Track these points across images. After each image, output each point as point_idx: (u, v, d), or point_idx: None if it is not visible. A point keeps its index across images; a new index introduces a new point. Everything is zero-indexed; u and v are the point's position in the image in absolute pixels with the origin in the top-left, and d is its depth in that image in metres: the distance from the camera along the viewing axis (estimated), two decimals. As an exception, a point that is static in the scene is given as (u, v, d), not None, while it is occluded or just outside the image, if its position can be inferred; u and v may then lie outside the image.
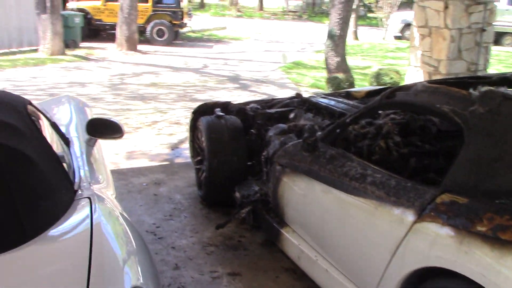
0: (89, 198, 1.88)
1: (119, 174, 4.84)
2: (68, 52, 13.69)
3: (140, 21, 16.40)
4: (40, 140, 1.98)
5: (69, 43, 14.46)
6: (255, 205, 3.47)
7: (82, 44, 15.34)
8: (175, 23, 17.20)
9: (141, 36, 16.52)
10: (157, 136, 6.28)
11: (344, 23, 9.68)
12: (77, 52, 14.14)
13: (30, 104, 2.42)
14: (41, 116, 2.55)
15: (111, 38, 15.66)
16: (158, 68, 12.38)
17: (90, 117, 3.83)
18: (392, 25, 20.63)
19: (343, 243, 2.64)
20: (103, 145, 5.58)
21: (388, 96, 2.78)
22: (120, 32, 14.80)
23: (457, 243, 1.94)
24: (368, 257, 2.44)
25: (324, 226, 2.79)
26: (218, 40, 19.62)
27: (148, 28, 16.88)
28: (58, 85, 9.64)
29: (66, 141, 2.72)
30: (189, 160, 4.81)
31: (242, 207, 3.51)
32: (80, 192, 1.99)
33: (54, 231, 1.64)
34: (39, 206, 1.70)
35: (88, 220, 1.71)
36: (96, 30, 17.49)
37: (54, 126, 2.66)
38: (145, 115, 7.38)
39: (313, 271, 2.87)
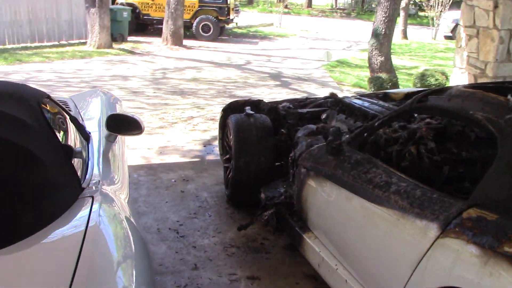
0: (92, 197, 1.83)
1: (149, 169, 4.83)
2: (115, 45, 13.93)
3: (187, 16, 16.52)
4: (48, 135, 1.94)
5: (116, 37, 14.73)
6: (279, 207, 3.36)
7: (130, 38, 15.59)
8: (221, 19, 17.22)
9: (187, 31, 16.63)
10: (191, 131, 6.25)
11: (390, 22, 9.39)
12: (124, 46, 14.37)
13: (48, 97, 2.40)
14: (60, 110, 2.52)
15: (158, 32, 15.85)
16: (201, 63, 12.42)
17: (119, 112, 3.83)
18: (443, 24, 19.98)
19: (363, 254, 2.50)
20: (134, 139, 5.64)
21: (420, 99, 2.62)
22: (166, 27, 14.96)
23: (481, 263, 1.78)
24: (388, 270, 2.30)
25: (346, 234, 2.66)
26: (264, 37, 19.53)
27: (194, 23, 16.97)
28: (101, 78, 9.81)
29: (86, 136, 2.69)
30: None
31: (265, 209, 3.41)
32: (87, 190, 1.94)
33: (49, 230, 1.59)
34: (38, 203, 1.65)
35: (85, 220, 1.65)
36: (144, 25, 17.73)
37: (74, 120, 2.63)
38: (182, 110, 7.38)
39: (332, 280, 2.74)
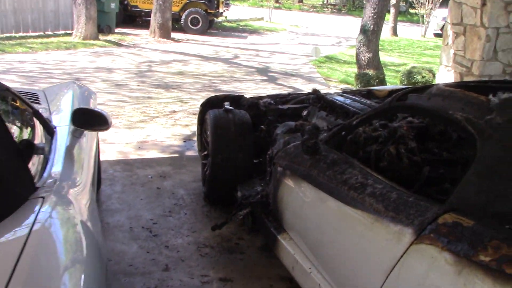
0: (42, 198, 1.70)
1: (125, 165, 4.70)
2: (101, 37, 13.72)
3: (175, 8, 16.33)
4: None
5: (104, 28, 14.52)
6: (254, 207, 3.24)
7: (117, 30, 15.38)
8: (210, 12, 17.05)
9: (175, 24, 16.45)
10: (172, 126, 6.11)
11: (378, 18, 9.30)
12: (110, 37, 14.17)
13: (8, 90, 2.26)
14: (20, 103, 2.38)
15: (146, 25, 15.64)
16: (188, 56, 12.26)
17: (92, 106, 3.69)
18: (433, 22, 19.98)
19: (337, 257, 2.40)
20: (113, 134, 5.49)
21: (400, 98, 2.51)
22: (154, 19, 14.78)
23: (455, 273, 1.68)
24: (361, 275, 2.20)
25: (320, 237, 2.55)
26: (253, 31, 19.38)
27: (183, 16, 16.78)
28: (85, 70, 9.63)
29: (50, 131, 2.55)
30: (199, 153, 4.62)
31: (240, 208, 3.29)
32: (40, 190, 1.81)
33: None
34: None
35: (30, 223, 1.52)
36: (132, 16, 17.50)
37: (37, 114, 2.49)
38: (165, 104, 7.23)
39: (305, 283, 2.63)
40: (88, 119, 2.58)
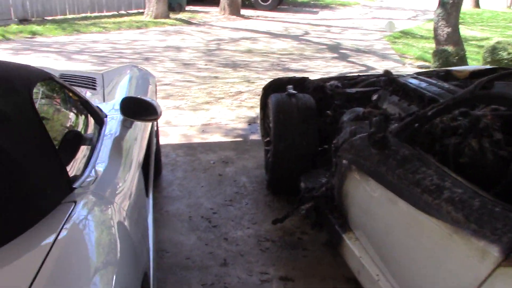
0: (74, 202, 1.56)
1: (188, 149, 4.60)
2: (172, 15, 13.81)
3: (245, -15, 16.11)
4: (32, 128, 1.65)
5: (175, 7, 14.61)
6: (318, 201, 3.00)
7: (188, 8, 15.44)
8: (280, -13, 16.69)
9: (246, 1, 16.25)
10: (237, 108, 5.95)
11: (459, -11, 8.62)
12: (181, 16, 14.22)
13: (51, 79, 2.13)
14: (64, 94, 2.25)
15: (217, 2, 15.56)
16: (257, 34, 12.05)
17: (150, 92, 3.58)
18: (521, -9, 18.50)
19: (409, 268, 2.13)
20: (178, 116, 5.41)
21: (484, 85, 2.17)
22: (224, -4, 14.69)
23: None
24: (437, 292, 1.93)
25: (389, 242, 2.29)
26: (325, 6, 18.81)
27: (253, -8, 16.55)
28: (154, 49, 9.67)
29: (99, 120, 2.44)
30: (263, 138, 4.43)
31: (303, 202, 3.07)
32: (76, 191, 1.68)
33: (13, 244, 1.34)
34: (6, 213, 1.40)
35: (57, 230, 1.39)
36: (202, -6, 17.49)
37: (85, 103, 2.37)
38: (232, 84, 7.08)
39: (372, 292, 2.39)
40: (137, 109, 2.44)
